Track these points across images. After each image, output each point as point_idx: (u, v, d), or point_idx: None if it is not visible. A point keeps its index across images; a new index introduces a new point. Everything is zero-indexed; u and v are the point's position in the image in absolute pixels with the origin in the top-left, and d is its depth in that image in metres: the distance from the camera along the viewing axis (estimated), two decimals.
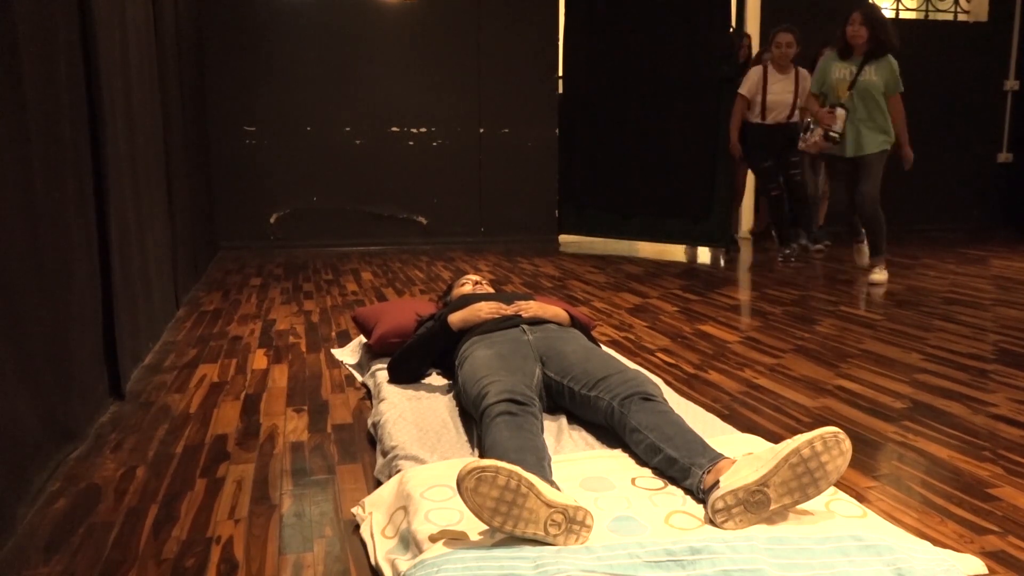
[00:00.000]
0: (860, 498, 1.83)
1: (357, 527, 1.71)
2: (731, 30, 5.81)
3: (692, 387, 2.73)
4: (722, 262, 5.74)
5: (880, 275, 4.80)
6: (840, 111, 4.65)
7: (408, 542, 1.52)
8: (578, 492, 1.68)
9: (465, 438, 2.06)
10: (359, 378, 2.84)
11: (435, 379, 2.56)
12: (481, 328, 2.37)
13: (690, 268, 5.44)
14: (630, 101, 6.16)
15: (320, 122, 6.32)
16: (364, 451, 2.18)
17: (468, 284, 2.88)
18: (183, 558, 1.60)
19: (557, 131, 6.75)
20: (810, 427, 2.31)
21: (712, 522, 1.55)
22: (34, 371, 1.88)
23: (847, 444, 1.54)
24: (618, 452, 1.91)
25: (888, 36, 4.57)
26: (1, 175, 1.75)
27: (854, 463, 2.04)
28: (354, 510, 1.77)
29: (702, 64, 5.79)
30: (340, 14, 6.23)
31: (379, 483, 1.89)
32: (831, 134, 4.69)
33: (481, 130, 6.64)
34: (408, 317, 2.85)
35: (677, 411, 1.90)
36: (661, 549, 1.44)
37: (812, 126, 4.88)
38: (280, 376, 2.88)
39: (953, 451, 2.15)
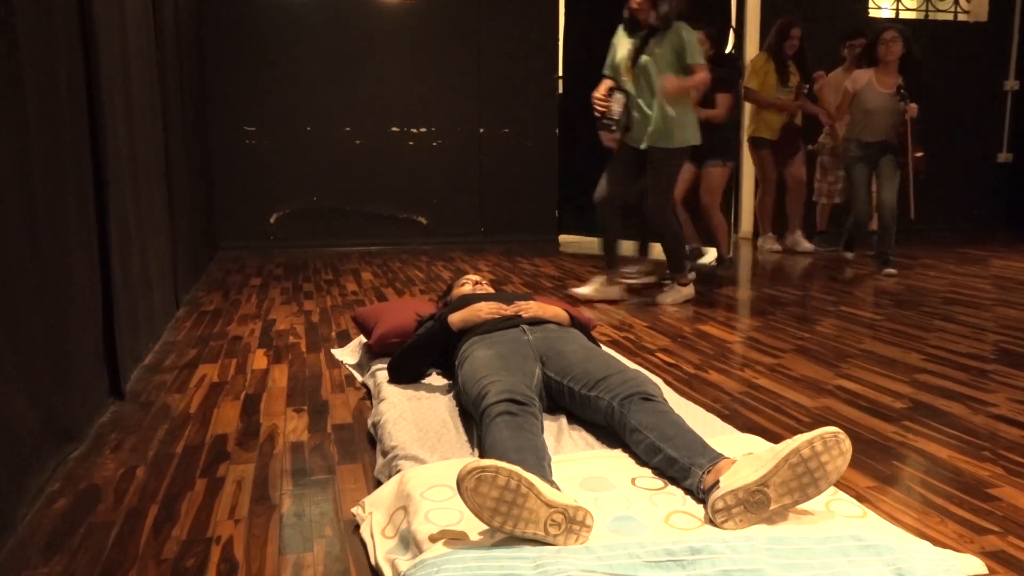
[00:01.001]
0: (860, 498, 1.83)
1: (357, 527, 1.71)
2: (731, 28, 5.81)
3: (692, 387, 2.73)
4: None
5: (678, 294, 4.18)
6: (618, 95, 3.96)
7: (408, 542, 1.52)
8: (578, 492, 1.68)
9: (465, 438, 2.06)
10: (359, 378, 2.84)
11: (435, 379, 2.56)
12: (481, 328, 2.37)
13: (689, 268, 5.43)
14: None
15: (320, 122, 6.32)
16: (364, 451, 2.18)
17: (468, 284, 2.88)
18: (183, 558, 1.61)
19: (557, 131, 6.75)
20: (810, 427, 2.31)
21: (712, 522, 1.55)
22: (34, 371, 1.88)
23: (847, 444, 1.54)
24: (618, 452, 1.91)
25: (671, 2, 3.88)
26: (1, 175, 1.75)
27: (854, 463, 2.04)
28: (354, 510, 1.77)
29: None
30: (340, 14, 6.23)
31: (379, 483, 1.89)
32: (604, 121, 3.96)
33: (481, 130, 6.64)
34: (408, 317, 2.85)
35: (677, 411, 1.90)
36: (661, 549, 1.44)
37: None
38: (280, 376, 2.88)
39: (953, 451, 2.15)
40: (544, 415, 2.06)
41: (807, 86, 5.88)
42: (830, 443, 1.53)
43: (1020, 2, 7.63)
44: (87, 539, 1.69)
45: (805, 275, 5.08)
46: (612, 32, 6.35)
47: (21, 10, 1.88)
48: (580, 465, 1.83)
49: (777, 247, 6.12)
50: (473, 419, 2.00)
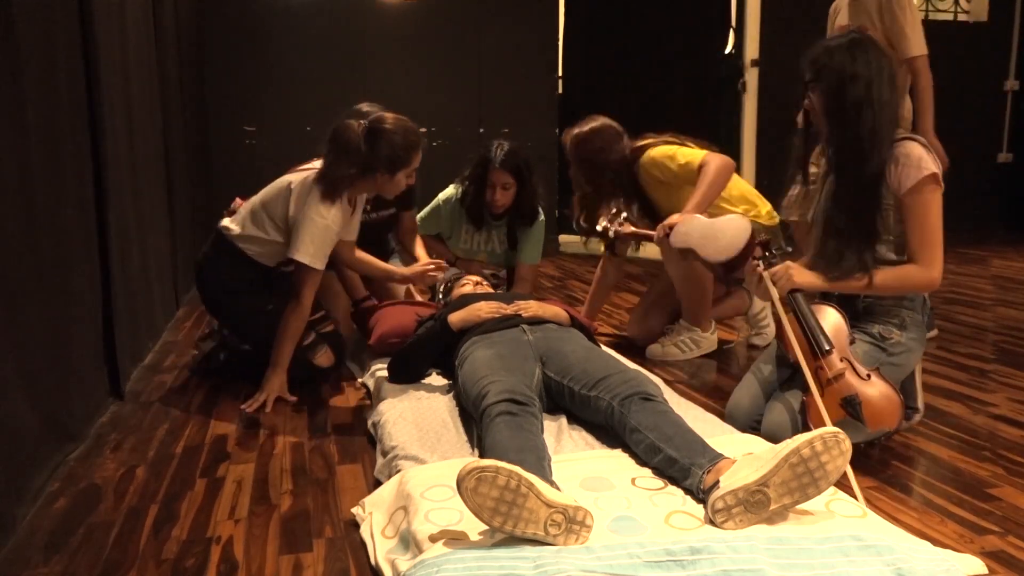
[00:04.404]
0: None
1: (357, 527, 1.71)
2: (731, 28, 5.81)
3: (692, 387, 2.73)
4: None
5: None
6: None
7: (408, 542, 1.52)
8: (578, 492, 1.68)
9: (465, 438, 2.05)
10: (359, 378, 2.84)
11: (435, 379, 2.55)
12: (481, 328, 2.37)
13: None
14: (630, 101, 6.16)
15: (320, 122, 6.29)
16: (364, 451, 2.18)
17: (468, 284, 2.88)
18: (183, 558, 1.61)
19: (557, 131, 6.75)
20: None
21: (712, 522, 1.55)
22: (34, 371, 1.88)
23: (847, 444, 1.54)
24: (618, 452, 1.91)
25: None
26: (1, 175, 1.75)
27: (854, 463, 2.03)
28: (354, 510, 1.77)
29: (702, 64, 5.79)
30: (340, 14, 6.23)
31: (379, 483, 1.89)
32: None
33: (481, 130, 6.64)
34: (408, 317, 2.85)
35: (677, 411, 1.90)
36: (661, 549, 1.43)
37: None
38: None
39: (953, 451, 2.15)
40: (544, 415, 2.06)
41: None
42: (830, 443, 1.53)
43: (1020, 2, 7.63)
44: (87, 539, 1.69)
45: None
46: (612, 32, 6.36)
47: (21, 10, 1.88)
48: (580, 465, 1.83)
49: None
50: (473, 419, 2.00)
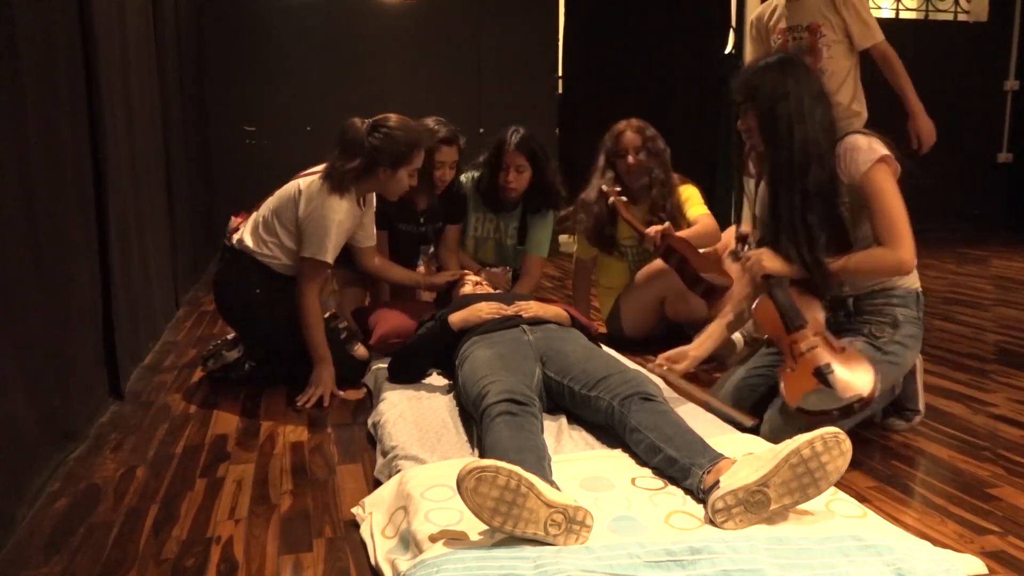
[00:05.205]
0: (860, 498, 1.83)
1: (357, 527, 1.71)
2: (731, 28, 5.82)
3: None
4: None
5: None
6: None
7: (408, 542, 1.52)
8: (578, 492, 1.68)
9: (465, 438, 2.05)
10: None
11: (435, 379, 2.55)
12: (481, 328, 2.37)
13: None
14: (630, 101, 6.16)
15: (320, 122, 6.32)
16: (364, 451, 2.18)
17: (468, 284, 2.88)
18: (183, 558, 1.61)
19: (557, 131, 6.75)
20: None
21: (712, 522, 1.55)
22: (34, 371, 1.88)
23: (847, 444, 1.54)
24: (618, 452, 1.91)
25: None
26: (1, 175, 1.75)
27: (854, 463, 2.03)
28: (354, 510, 1.77)
29: (702, 64, 5.80)
30: (340, 14, 6.23)
31: (379, 483, 1.89)
32: None
33: (481, 130, 6.64)
34: (408, 318, 2.85)
35: (677, 411, 1.90)
36: (661, 549, 1.44)
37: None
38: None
39: (953, 451, 2.15)
40: (544, 415, 2.06)
41: None
42: (830, 443, 1.53)
43: (1020, 2, 7.63)
44: (87, 539, 1.69)
45: None
46: (612, 32, 6.36)
47: (21, 10, 1.88)
48: (580, 465, 1.83)
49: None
50: (473, 419, 2.00)
